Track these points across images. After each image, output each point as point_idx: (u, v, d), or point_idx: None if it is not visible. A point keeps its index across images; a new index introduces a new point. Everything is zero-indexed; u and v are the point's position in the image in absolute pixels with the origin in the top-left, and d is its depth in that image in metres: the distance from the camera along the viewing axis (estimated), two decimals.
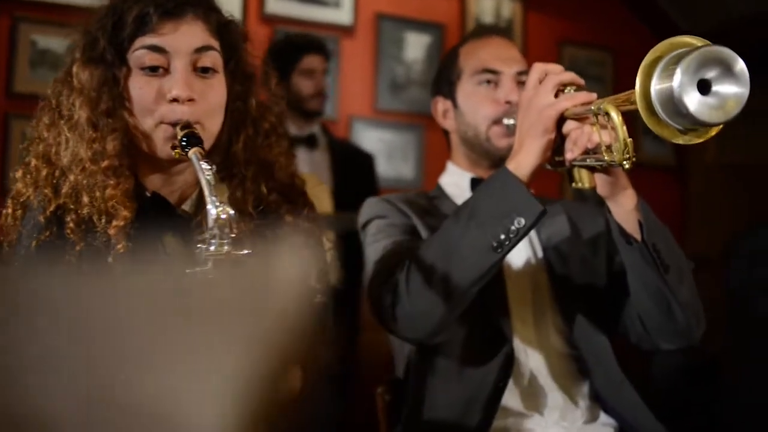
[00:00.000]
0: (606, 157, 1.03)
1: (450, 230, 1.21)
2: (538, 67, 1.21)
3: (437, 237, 1.23)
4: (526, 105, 1.19)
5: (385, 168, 3.40)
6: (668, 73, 0.84)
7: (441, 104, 1.58)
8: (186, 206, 1.11)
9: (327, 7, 3.53)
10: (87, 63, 1.02)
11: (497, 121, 1.46)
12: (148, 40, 1.02)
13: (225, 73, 1.09)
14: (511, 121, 1.40)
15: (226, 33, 1.09)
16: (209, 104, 1.04)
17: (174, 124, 1.01)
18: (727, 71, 0.84)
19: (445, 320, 1.20)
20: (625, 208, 1.15)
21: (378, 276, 1.31)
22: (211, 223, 0.83)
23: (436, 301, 1.17)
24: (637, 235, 1.15)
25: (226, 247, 0.82)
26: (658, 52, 0.88)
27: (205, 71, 1.04)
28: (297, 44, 2.75)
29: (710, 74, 0.83)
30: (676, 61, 0.83)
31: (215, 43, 1.06)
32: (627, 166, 0.98)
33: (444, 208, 1.47)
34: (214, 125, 1.06)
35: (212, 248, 0.82)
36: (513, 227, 1.15)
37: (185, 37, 1.02)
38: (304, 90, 2.70)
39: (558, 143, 1.18)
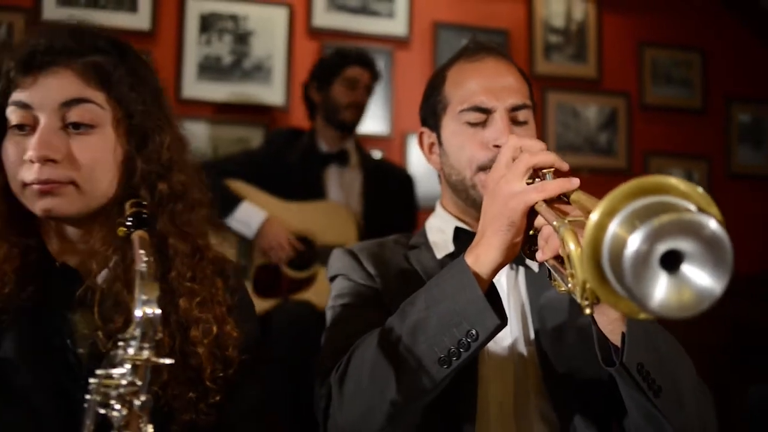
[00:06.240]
0: (570, 284, 0.74)
1: (391, 332, 1.00)
2: (513, 143, 0.99)
3: (377, 338, 1.02)
4: (492, 189, 0.98)
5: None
6: (629, 226, 0.58)
7: (426, 137, 1.36)
8: (100, 279, 0.96)
9: (379, 17, 3.31)
10: None
11: (485, 168, 1.21)
12: (16, 95, 0.93)
13: (117, 125, 0.96)
14: None
15: (116, 80, 0.96)
16: (81, 164, 0.92)
17: (35, 184, 0.91)
18: (711, 252, 0.56)
19: None
20: (609, 317, 0.93)
21: (318, 369, 1.12)
22: (135, 322, 0.74)
23: (369, 414, 0.99)
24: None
25: (146, 352, 0.73)
26: (633, 189, 0.60)
27: (76, 127, 0.93)
28: (343, 54, 2.66)
29: (685, 246, 0.56)
30: (646, 214, 0.57)
31: (93, 94, 0.94)
32: (587, 312, 0.69)
33: (422, 262, 1.27)
34: (95, 186, 0.94)
35: (131, 351, 0.74)
36: (463, 339, 0.94)
37: (49, 90, 0.92)
38: (341, 98, 2.58)
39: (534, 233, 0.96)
